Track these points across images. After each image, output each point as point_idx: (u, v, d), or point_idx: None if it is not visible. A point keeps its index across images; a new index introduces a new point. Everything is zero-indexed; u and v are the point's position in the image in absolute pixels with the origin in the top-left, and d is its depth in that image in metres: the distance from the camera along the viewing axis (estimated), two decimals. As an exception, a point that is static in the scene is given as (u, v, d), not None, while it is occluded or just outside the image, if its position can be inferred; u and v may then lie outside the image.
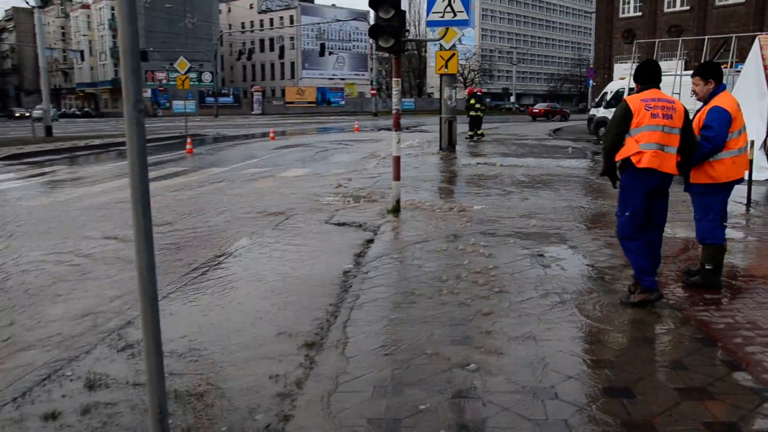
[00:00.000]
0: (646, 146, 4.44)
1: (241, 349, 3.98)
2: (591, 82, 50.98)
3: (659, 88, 4.61)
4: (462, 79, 79.34)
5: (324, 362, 3.69)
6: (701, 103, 5.07)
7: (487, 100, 25.85)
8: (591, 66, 54.02)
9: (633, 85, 4.88)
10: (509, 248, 6.40)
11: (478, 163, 14.88)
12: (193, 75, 67.09)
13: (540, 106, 51.17)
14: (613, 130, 4.60)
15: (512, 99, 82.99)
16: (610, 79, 35.88)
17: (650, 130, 4.44)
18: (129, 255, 6.45)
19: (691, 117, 4.69)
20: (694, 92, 5.09)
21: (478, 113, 24.65)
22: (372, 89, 66.94)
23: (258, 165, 16.07)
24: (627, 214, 4.57)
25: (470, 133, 23.60)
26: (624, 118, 4.52)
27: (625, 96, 12.33)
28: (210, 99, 69.42)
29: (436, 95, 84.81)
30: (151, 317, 2.33)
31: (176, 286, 5.36)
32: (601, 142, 21.78)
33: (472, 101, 23.88)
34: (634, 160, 4.45)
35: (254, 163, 16.77)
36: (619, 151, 4.54)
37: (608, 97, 23.69)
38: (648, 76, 4.63)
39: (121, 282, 5.56)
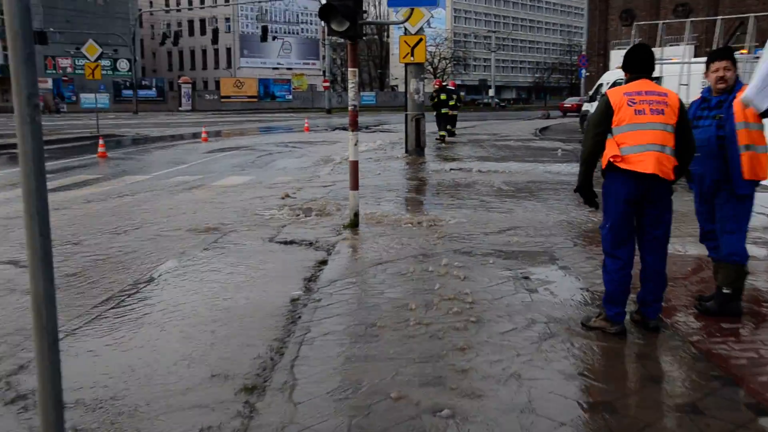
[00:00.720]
0: (628, 150, 4.42)
1: (165, 396, 3.90)
2: (584, 72, 52.09)
3: (652, 78, 4.61)
4: (431, 70, 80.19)
5: (267, 410, 3.64)
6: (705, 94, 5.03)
7: (461, 93, 25.98)
8: (583, 53, 55.20)
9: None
10: (488, 270, 6.44)
11: (451, 169, 15.03)
12: (105, 63, 66.22)
13: (572, 101, 51.31)
14: (591, 130, 4.57)
15: (491, 92, 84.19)
16: (605, 68, 36.73)
17: (634, 129, 4.40)
18: (26, 282, 6.28)
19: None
20: (721, 79, 4.90)
21: (451, 111, 24.93)
22: (325, 81, 67.17)
23: (187, 172, 15.89)
24: (606, 225, 4.63)
25: (441, 133, 23.72)
26: (604, 116, 4.49)
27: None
28: (127, 92, 68.61)
29: (401, 88, 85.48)
30: (48, 360, 2.26)
31: (85, 320, 5.25)
32: None
33: (443, 96, 23.82)
34: (614, 161, 4.44)
35: (183, 169, 16.58)
36: (602, 157, 4.53)
37: (604, 89, 24.22)
38: (637, 64, 4.61)
39: (15, 315, 5.40)
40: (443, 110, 23.83)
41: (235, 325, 5.08)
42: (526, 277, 6.13)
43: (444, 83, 25.46)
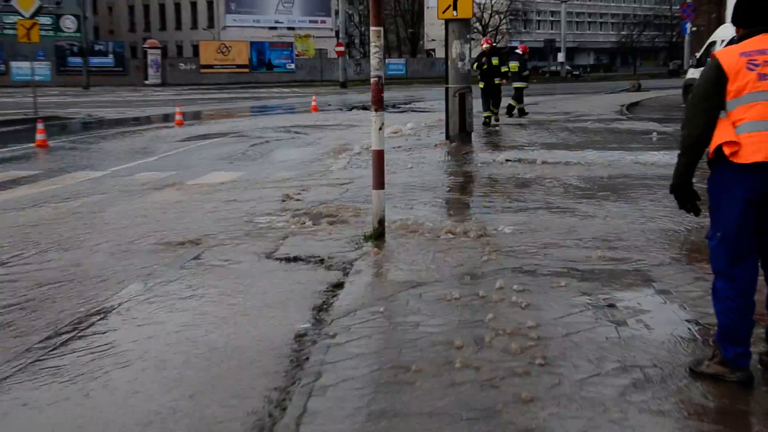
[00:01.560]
0: (748, 127, 4.33)
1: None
2: (689, 27, 51.72)
3: None
4: (480, 28, 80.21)
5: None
6: None
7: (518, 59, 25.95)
8: (688, 1, 54.75)
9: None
10: (559, 295, 6.42)
11: (507, 160, 15.03)
12: (45, 21, 66.80)
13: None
14: (696, 106, 4.51)
15: (560, 57, 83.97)
16: (720, 21, 36.34)
17: (758, 100, 4.34)
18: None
19: None
20: None
21: (520, 83, 25.76)
22: (338, 45, 67.43)
23: (157, 166, 16.04)
24: (718, 235, 4.59)
25: (486, 114, 23.58)
26: (714, 85, 4.42)
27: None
28: (75, 60, 69.45)
29: (440, 54, 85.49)
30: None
31: (17, 365, 5.29)
32: None
33: (494, 61, 23.59)
34: (727, 151, 4.37)
35: (151, 163, 16.75)
36: (711, 141, 4.44)
37: (718, 48, 24.01)
38: (755, 14, 4.53)
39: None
40: (496, 80, 23.65)
41: (220, 370, 5.10)
42: (612, 305, 6.11)
43: (496, 44, 25.60)
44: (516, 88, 26.33)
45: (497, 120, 23.87)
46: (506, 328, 5.56)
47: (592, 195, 11.24)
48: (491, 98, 23.67)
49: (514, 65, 25.92)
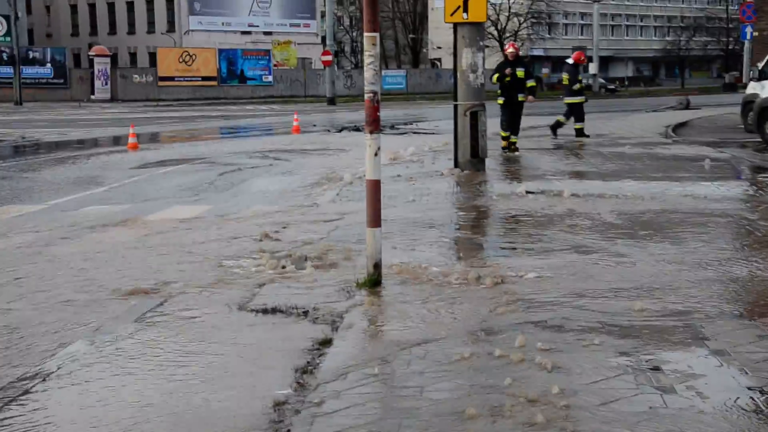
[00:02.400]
0: None
1: None
2: (749, 31, 51.87)
3: None
4: (496, 33, 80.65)
5: None
6: None
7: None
8: (749, 0, 54.94)
9: None
10: (592, 355, 6.42)
11: (528, 192, 15.04)
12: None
13: None
14: None
15: (592, 68, 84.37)
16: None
17: None
18: None
19: None
20: None
21: (571, 98, 26.50)
22: (325, 54, 67.62)
23: (107, 199, 16.05)
24: None
25: (504, 134, 23.38)
26: None
27: None
28: (5, 70, 69.57)
29: (447, 64, 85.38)
30: None
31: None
32: None
33: (519, 73, 23.17)
34: None
35: (99, 195, 16.75)
36: None
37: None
38: None
39: None
40: (520, 97, 23.34)
41: (183, 444, 5.10)
42: (656, 369, 6.11)
43: (519, 50, 24.99)
44: (568, 105, 26.77)
45: (515, 148, 23.13)
46: (528, 395, 5.55)
47: (631, 234, 11.26)
48: (514, 118, 23.31)
49: (565, 77, 26.70)
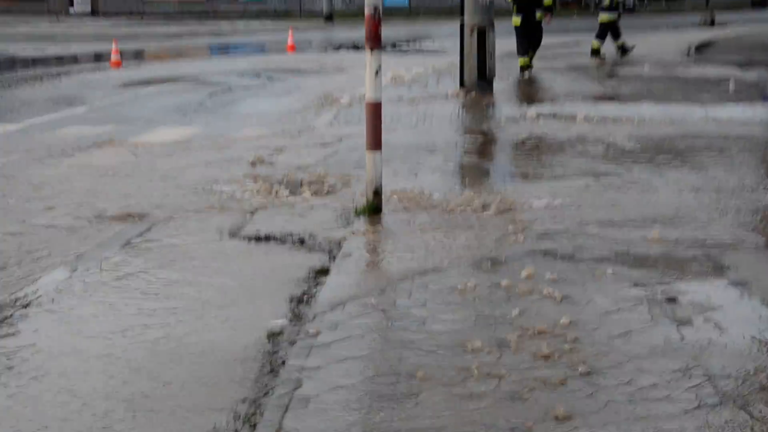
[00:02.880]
0: None
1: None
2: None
3: None
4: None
5: None
6: None
7: None
8: None
9: None
10: (605, 286, 6.47)
11: (539, 116, 14.99)
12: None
13: None
14: None
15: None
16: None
17: None
18: None
19: None
20: None
21: (606, 13, 25.90)
22: (321, -36, 67.00)
23: (88, 119, 15.97)
24: None
25: (523, 60, 22.52)
26: None
27: None
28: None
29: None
30: None
31: None
32: None
33: None
34: None
35: (80, 115, 16.68)
36: None
37: None
38: None
39: None
40: (538, 14, 22.51)
41: (172, 379, 5.16)
42: (672, 299, 6.16)
43: None
44: (601, 24, 26.30)
45: (528, 70, 22.40)
46: (536, 327, 5.62)
47: (648, 160, 11.26)
48: (530, 39, 22.42)
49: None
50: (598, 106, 16.30)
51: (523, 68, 22.30)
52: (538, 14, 22.27)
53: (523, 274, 6.69)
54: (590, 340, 5.46)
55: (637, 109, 15.81)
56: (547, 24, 22.71)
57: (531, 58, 22.60)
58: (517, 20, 22.22)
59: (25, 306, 6.41)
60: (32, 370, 5.32)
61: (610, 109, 16.01)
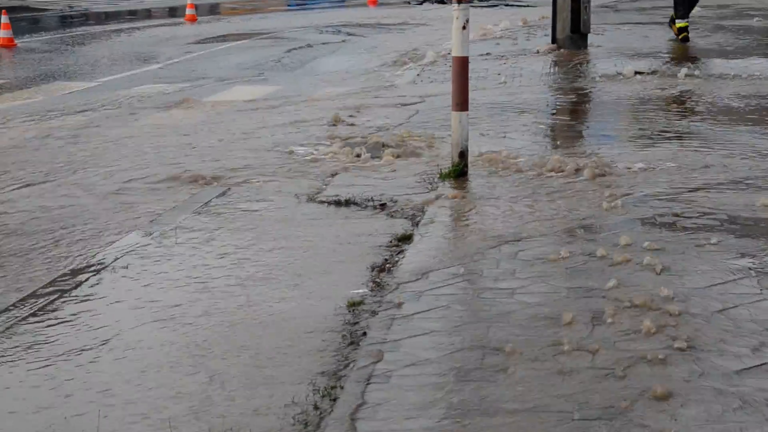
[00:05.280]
0: None
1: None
2: None
3: None
4: None
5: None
6: None
7: None
8: None
9: None
10: (709, 256, 6.37)
11: (637, 73, 14.74)
12: None
13: None
14: None
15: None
16: None
17: None
18: None
19: None
20: None
21: None
22: None
23: (162, 77, 16.13)
24: None
25: (679, 25, 19.20)
26: None
27: None
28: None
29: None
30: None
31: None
32: None
33: None
34: None
35: (153, 72, 16.84)
36: None
37: None
38: None
39: None
40: None
41: (250, 349, 5.19)
42: (783, 271, 6.06)
43: None
44: None
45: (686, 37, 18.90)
46: (634, 300, 5.53)
47: (756, 121, 11.04)
48: None
49: None
50: (701, 62, 16.04)
51: (683, 32, 18.73)
52: None
53: (620, 242, 6.59)
54: (692, 314, 5.36)
55: (745, 65, 15.50)
56: None
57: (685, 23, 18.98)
58: None
59: (99, 271, 6.49)
60: (105, 336, 5.38)
61: (715, 65, 15.74)
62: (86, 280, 6.33)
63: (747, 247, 6.55)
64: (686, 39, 18.69)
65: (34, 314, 5.75)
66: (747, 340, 5.04)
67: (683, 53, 17.40)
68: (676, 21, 18.86)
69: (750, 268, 6.12)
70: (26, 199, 8.48)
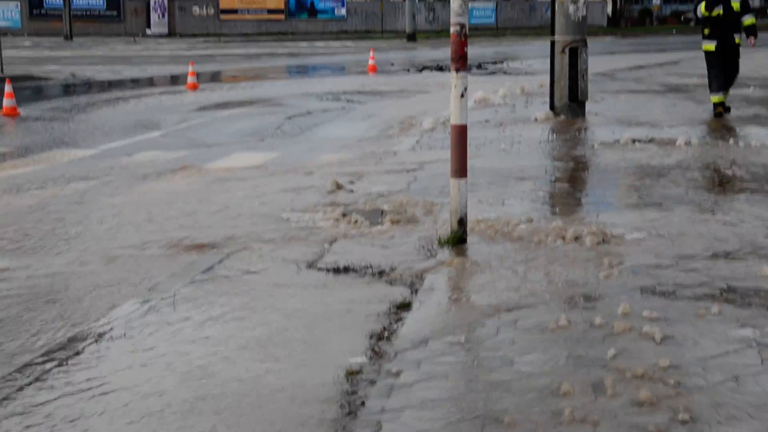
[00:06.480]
0: None
1: None
2: None
3: None
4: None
5: None
6: None
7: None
8: None
9: None
10: (709, 326, 6.35)
11: (634, 141, 14.84)
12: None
13: None
14: None
15: None
16: None
17: None
18: None
19: None
20: None
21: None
22: (404, -18, 67.38)
23: (163, 144, 16.20)
24: None
25: (716, 99, 18.34)
26: None
27: None
28: (54, 1, 70.23)
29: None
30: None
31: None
32: None
33: (735, 4, 17.89)
34: None
35: (155, 139, 16.91)
36: None
37: None
38: None
39: None
40: (736, 38, 18.17)
41: (244, 420, 5.15)
42: (785, 343, 6.04)
43: None
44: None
45: (722, 109, 18.18)
46: (635, 370, 5.51)
47: (755, 190, 11.07)
48: (727, 69, 18.17)
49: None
50: (698, 129, 16.14)
51: (717, 107, 18.16)
52: (736, 38, 18.15)
53: (620, 311, 6.57)
54: (693, 386, 5.33)
55: (744, 133, 15.66)
56: (752, 47, 19.04)
57: (726, 95, 18.49)
58: (710, 46, 18.14)
59: (97, 339, 6.44)
60: (102, 404, 5.33)
61: (712, 133, 15.84)
62: (82, 349, 6.26)
63: (747, 317, 6.54)
64: (720, 114, 18.02)
65: (54, 371, 5.76)
66: (750, 413, 5.00)
67: (680, 121, 17.45)
68: (710, 95, 18.41)
69: (751, 339, 6.10)
70: (28, 266, 8.45)
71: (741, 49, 17.71)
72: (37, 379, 5.74)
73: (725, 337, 6.13)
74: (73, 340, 6.47)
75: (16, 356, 6.21)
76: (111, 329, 6.64)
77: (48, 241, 9.36)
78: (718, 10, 17.50)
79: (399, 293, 7.32)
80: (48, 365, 5.98)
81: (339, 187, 11.59)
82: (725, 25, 17.70)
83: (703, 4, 17.65)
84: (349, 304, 7.13)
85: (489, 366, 5.71)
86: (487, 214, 9.70)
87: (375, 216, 9.97)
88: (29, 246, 9.19)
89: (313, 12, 79.02)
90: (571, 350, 5.91)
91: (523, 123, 17.61)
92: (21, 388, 5.60)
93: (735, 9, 17.62)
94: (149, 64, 38.87)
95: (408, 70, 34.56)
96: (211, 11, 75.74)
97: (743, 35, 17.92)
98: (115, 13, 73.89)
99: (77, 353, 6.18)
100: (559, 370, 5.60)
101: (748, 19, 18.10)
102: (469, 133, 9.09)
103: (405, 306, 6.97)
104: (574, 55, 17.96)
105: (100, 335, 6.52)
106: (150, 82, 30.87)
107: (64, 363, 6.01)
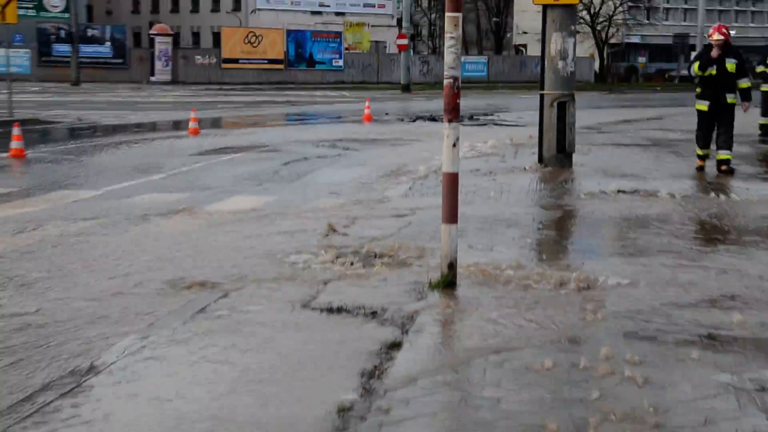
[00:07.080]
0: None
1: None
2: None
3: None
4: (589, 17, 79.95)
5: None
6: None
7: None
8: None
9: None
10: (688, 371, 6.35)
11: (620, 192, 14.88)
12: (26, -1, 68.21)
13: None
14: None
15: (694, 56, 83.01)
16: None
17: None
18: None
19: None
20: None
21: None
22: (400, 37, 67.61)
23: (164, 187, 16.19)
24: None
25: (700, 153, 18.37)
26: None
27: None
28: (62, 48, 70.43)
29: (533, 50, 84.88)
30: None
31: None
32: None
33: (729, 66, 17.67)
34: None
35: (156, 182, 16.90)
36: None
37: None
38: None
39: None
40: (729, 98, 17.74)
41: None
42: (763, 389, 6.02)
43: (729, 36, 18.24)
44: (764, 94, 25.26)
45: (728, 169, 17.77)
46: (617, 411, 5.51)
47: (735, 240, 11.14)
48: (719, 127, 17.97)
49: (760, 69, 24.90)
50: (682, 183, 16.17)
51: (701, 161, 18.31)
52: (729, 98, 17.84)
53: (603, 355, 6.57)
54: (674, 428, 5.34)
55: (725, 187, 15.67)
56: (745, 112, 18.57)
57: (729, 151, 18.02)
58: (703, 106, 18.03)
59: (96, 375, 6.41)
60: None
61: (695, 186, 15.92)
62: (79, 386, 6.23)
63: (726, 363, 6.55)
64: (701, 168, 18.10)
65: (51, 408, 5.70)
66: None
67: (665, 174, 17.50)
68: (697, 148, 18.35)
69: (728, 384, 6.10)
70: (28, 304, 8.41)
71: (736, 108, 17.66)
72: (37, 411, 5.72)
73: (704, 381, 6.13)
74: (74, 374, 6.43)
75: (16, 391, 6.19)
76: (107, 366, 6.60)
77: (49, 279, 9.33)
78: (711, 71, 17.45)
79: (390, 333, 7.30)
80: (39, 405, 5.94)
81: (333, 230, 11.61)
82: (719, 86, 17.56)
83: (696, 64, 17.71)
84: (341, 343, 7.12)
85: (476, 405, 5.71)
86: (476, 259, 9.70)
87: (368, 259, 9.98)
88: (31, 283, 9.16)
89: (311, 63, 79.37)
90: (556, 391, 5.90)
91: (512, 172, 17.64)
92: (21, 420, 5.59)
93: (730, 70, 17.50)
94: (153, 110, 38.93)
95: (402, 120, 34.65)
96: (213, 60, 76.04)
97: (738, 95, 17.77)
98: (121, 60, 74.18)
99: (73, 389, 6.14)
100: (544, 410, 5.59)
101: (743, 83, 17.92)
102: (460, 181, 9.11)
103: (396, 346, 6.95)
104: (563, 108, 18.04)
105: (100, 371, 6.48)
106: (153, 127, 30.91)
107: (66, 396, 5.98)
